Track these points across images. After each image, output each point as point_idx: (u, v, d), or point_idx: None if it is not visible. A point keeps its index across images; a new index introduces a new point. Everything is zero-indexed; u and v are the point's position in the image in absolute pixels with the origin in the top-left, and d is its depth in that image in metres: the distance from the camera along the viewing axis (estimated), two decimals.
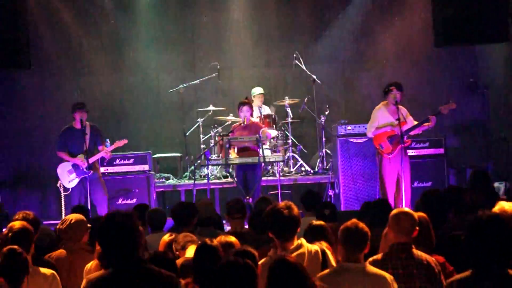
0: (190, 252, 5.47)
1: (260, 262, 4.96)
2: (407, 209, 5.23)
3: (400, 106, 10.14)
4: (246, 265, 4.11)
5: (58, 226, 6.28)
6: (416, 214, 5.20)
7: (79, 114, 10.50)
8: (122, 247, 3.99)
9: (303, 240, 5.08)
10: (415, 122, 10.18)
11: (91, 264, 5.56)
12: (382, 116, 10.26)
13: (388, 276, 4.75)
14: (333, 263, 5.07)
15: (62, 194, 10.94)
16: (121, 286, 3.96)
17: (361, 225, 4.86)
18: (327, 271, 4.87)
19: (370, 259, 5.01)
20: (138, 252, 4.06)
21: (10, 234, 5.51)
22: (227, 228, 7.84)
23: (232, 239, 5.30)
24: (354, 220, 4.92)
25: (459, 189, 7.26)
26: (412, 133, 10.17)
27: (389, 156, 10.12)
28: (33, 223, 6.10)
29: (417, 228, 5.10)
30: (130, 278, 3.97)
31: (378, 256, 5.04)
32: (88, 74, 14.16)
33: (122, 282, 3.97)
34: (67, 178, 10.59)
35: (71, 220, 6.19)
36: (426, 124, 10.07)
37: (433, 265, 5.00)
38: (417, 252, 5.04)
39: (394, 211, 5.18)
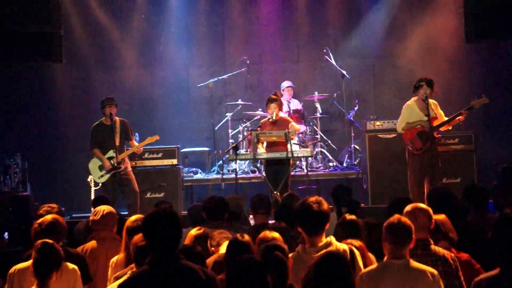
0: (224, 248, 5.50)
1: (291, 255, 4.99)
2: (422, 205, 5.21)
3: (431, 101, 10.07)
4: (276, 257, 4.15)
5: (91, 218, 6.37)
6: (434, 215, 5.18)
7: (108, 109, 10.57)
8: (170, 241, 4.05)
9: (332, 238, 5.06)
10: (445, 118, 10.10)
11: (118, 257, 5.60)
12: (412, 112, 10.18)
13: (430, 271, 4.70)
14: (361, 264, 5.04)
15: (93, 188, 11.02)
16: (161, 282, 4.01)
17: (404, 219, 4.83)
18: (370, 268, 4.85)
19: None
20: (177, 248, 4.13)
21: (41, 227, 5.59)
22: (252, 222, 7.86)
23: (276, 235, 5.28)
24: (396, 215, 4.87)
25: (478, 189, 7.21)
26: (442, 128, 10.09)
27: (418, 152, 10.05)
28: (58, 215, 6.17)
29: (433, 221, 5.10)
30: (169, 274, 4.02)
31: None
32: (118, 68, 14.28)
33: (161, 278, 4.02)
34: (98, 173, 10.68)
35: (104, 210, 6.33)
36: (458, 118, 9.98)
37: (451, 261, 4.99)
38: (435, 248, 5.02)
39: (409, 208, 5.15)
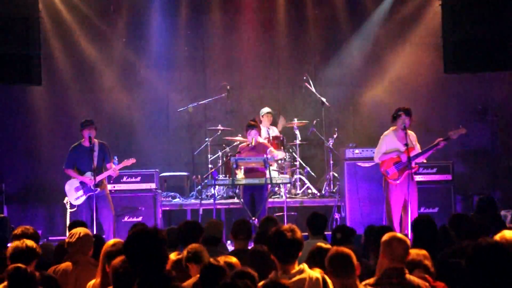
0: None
1: (260, 284, 4.96)
2: (399, 235, 5.19)
3: (409, 132, 10.12)
4: (244, 286, 4.11)
5: (67, 240, 6.29)
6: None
7: (87, 131, 10.54)
8: (151, 260, 4.00)
9: (305, 266, 5.05)
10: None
11: (94, 282, 5.55)
12: (390, 142, 10.22)
13: None
14: None
15: (68, 210, 10.95)
16: None
17: (341, 249, 4.86)
18: None
19: (363, 283, 4.99)
20: (165, 268, 4.06)
21: (14, 253, 5.52)
22: (230, 248, 7.82)
23: (233, 259, 5.27)
24: (334, 247, 4.94)
25: (461, 216, 7.22)
26: (418, 160, 10.13)
27: (394, 182, 10.08)
28: (32, 238, 6.11)
29: (410, 252, 5.10)
30: None
31: (371, 280, 5.00)
32: (98, 91, 14.24)
33: None
34: (74, 195, 10.60)
35: (80, 233, 6.24)
36: (435, 149, 10.04)
37: None
38: (409, 277, 5.01)
39: (386, 237, 5.13)
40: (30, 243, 5.66)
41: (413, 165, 9.98)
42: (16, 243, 5.66)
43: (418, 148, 10.17)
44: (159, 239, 4.06)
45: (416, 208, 10.13)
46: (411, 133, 10.23)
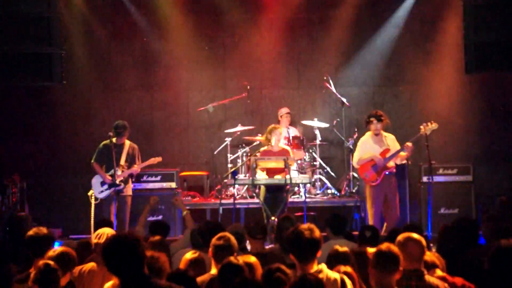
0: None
1: None
2: (414, 235, 5.18)
3: (387, 135, 10.63)
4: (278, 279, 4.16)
5: (95, 240, 6.32)
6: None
7: (124, 137, 10.95)
8: (125, 264, 4.10)
9: (323, 266, 5.06)
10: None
11: (113, 283, 5.57)
12: (367, 146, 10.65)
13: None
14: None
15: (92, 203, 11.03)
16: None
17: (393, 248, 4.84)
18: None
19: None
20: (143, 268, 4.15)
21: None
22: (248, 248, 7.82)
23: (253, 259, 5.28)
24: (387, 243, 4.90)
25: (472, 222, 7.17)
26: (399, 162, 10.59)
27: (373, 183, 10.37)
28: (46, 238, 6.14)
29: (426, 252, 5.09)
30: None
31: None
32: (118, 90, 14.29)
33: None
34: (99, 188, 10.87)
35: (108, 234, 6.28)
36: (403, 153, 10.41)
37: None
38: (429, 278, 4.99)
39: (401, 238, 5.13)
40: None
41: (388, 165, 10.43)
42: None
43: (395, 147, 10.57)
44: (133, 243, 4.15)
45: (397, 205, 10.54)
46: (388, 135, 10.68)
